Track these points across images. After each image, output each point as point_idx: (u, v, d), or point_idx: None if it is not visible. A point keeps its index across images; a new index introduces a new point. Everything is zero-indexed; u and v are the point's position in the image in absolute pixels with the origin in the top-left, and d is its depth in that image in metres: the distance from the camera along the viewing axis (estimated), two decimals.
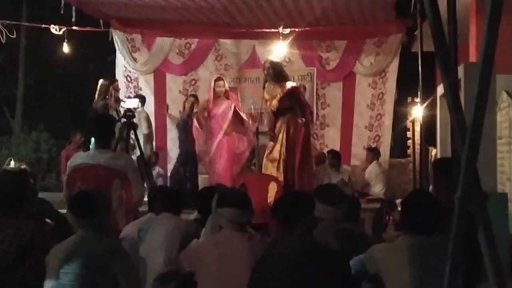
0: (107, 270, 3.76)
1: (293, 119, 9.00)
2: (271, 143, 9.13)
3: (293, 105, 9.05)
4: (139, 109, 8.87)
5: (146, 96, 11.20)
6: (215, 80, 9.88)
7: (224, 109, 9.70)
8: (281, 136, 8.99)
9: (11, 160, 11.32)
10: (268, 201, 8.08)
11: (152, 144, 10.86)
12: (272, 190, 8.41)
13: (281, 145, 8.96)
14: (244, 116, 9.99)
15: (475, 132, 2.14)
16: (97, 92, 9.79)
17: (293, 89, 9.14)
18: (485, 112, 2.14)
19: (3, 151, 15.73)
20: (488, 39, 2.08)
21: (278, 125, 9.12)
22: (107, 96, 9.66)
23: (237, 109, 9.84)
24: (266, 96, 9.26)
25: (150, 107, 11.51)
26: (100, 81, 9.91)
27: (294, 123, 8.99)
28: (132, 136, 7.86)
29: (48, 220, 6.19)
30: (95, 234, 3.89)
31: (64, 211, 6.25)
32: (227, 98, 9.80)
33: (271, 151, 9.09)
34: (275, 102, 9.08)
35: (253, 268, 3.63)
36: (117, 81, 10.76)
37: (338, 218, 4.39)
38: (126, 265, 3.88)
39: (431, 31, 2.37)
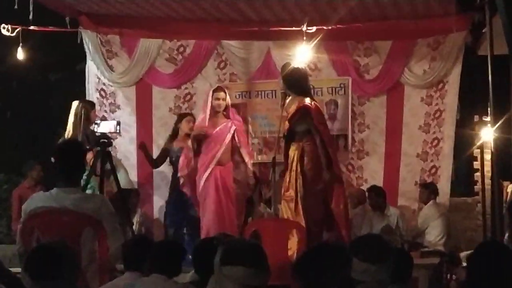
0: None
1: (310, 146, 9.00)
2: (286, 177, 9.12)
3: (310, 128, 9.06)
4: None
5: (126, 116, 11.29)
6: (214, 91, 9.83)
7: (221, 130, 9.68)
8: (295, 168, 8.98)
9: None
10: (289, 255, 8.07)
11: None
12: (294, 240, 8.40)
13: (296, 180, 8.95)
14: (245, 142, 9.97)
15: None
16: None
17: (306, 107, 9.13)
18: None
19: None
20: None
21: (290, 153, 9.14)
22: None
23: (239, 133, 9.80)
24: (285, 114, 9.28)
25: (132, 131, 11.58)
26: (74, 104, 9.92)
27: (311, 151, 8.99)
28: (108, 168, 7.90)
29: None
30: None
31: (17, 269, 6.29)
32: (227, 117, 9.77)
33: (287, 189, 9.07)
34: (286, 123, 9.14)
35: None
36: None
37: (382, 280, 4.37)
38: None
39: (503, 28, 2.38)
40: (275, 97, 11.21)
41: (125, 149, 11.55)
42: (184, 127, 10.37)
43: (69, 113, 9.66)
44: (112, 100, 12.02)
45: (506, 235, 7.42)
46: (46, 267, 3.96)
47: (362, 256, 4.20)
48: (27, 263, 4.09)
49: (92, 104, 10.30)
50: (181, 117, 10.71)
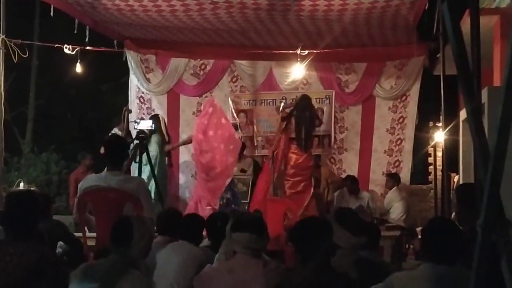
0: None
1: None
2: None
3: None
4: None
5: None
6: None
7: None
8: None
9: (20, 181, 11.37)
10: (284, 227, 8.07)
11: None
12: (288, 216, 8.41)
13: None
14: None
15: (498, 158, 2.14)
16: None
17: None
18: (509, 138, 2.14)
19: (12, 173, 15.79)
20: None
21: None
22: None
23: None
24: None
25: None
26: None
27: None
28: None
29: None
30: (122, 264, 3.88)
31: (78, 234, 6.31)
32: None
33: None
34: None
35: None
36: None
37: (357, 247, 4.37)
38: None
39: (453, 54, 2.38)
40: (275, 104, 11.22)
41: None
42: None
43: (115, 115, 9.74)
44: (149, 105, 12.07)
45: (453, 214, 7.41)
46: (123, 234, 3.97)
47: (345, 227, 4.20)
48: (113, 230, 4.07)
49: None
50: None
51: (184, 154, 11.58)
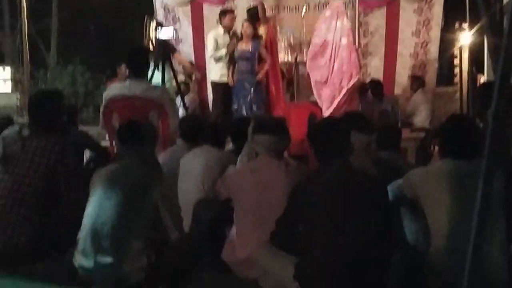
0: (148, 199, 3.91)
1: None
2: None
3: None
4: None
5: (185, 27, 11.26)
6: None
7: None
8: None
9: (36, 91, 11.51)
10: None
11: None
12: (314, 119, 8.46)
13: None
14: None
15: (509, 47, 2.17)
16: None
17: None
18: None
19: (39, 85, 15.97)
20: None
21: None
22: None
23: None
24: None
25: (189, 38, 11.59)
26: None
27: None
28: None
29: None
30: (138, 163, 4.03)
31: (104, 143, 6.46)
32: None
33: None
34: None
35: (289, 195, 3.73)
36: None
37: (371, 146, 4.45)
38: (166, 194, 4.04)
39: None
40: (298, 11, 11.11)
41: (186, 52, 11.52)
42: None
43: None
44: (174, 14, 11.99)
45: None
46: (132, 133, 4.10)
47: (357, 128, 4.26)
48: (119, 132, 4.23)
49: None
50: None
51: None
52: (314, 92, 9.64)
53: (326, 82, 9.49)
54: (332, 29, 9.50)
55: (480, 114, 4.75)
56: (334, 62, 9.49)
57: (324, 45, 9.53)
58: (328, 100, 9.42)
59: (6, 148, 4.24)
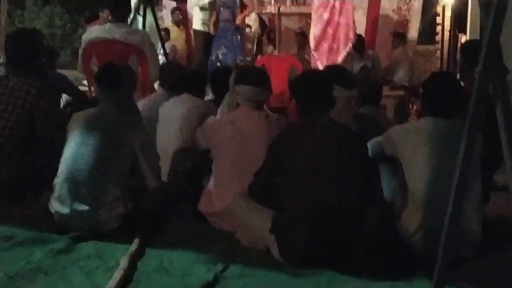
0: (126, 145, 3.87)
1: None
2: None
3: None
4: None
5: None
6: None
7: None
8: None
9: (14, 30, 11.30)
10: (288, 83, 8.11)
11: None
12: (292, 72, 8.43)
13: None
14: None
15: (500, 4, 2.15)
16: None
17: None
18: None
19: (16, 25, 15.72)
20: None
21: None
22: None
23: None
24: None
25: None
26: None
27: None
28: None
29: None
30: (117, 108, 3.97)
31: (83, 88, 6.39)
32: None
33: None
34: None
35: (269, 147, 3.70)
36: None
37: (351, 101, 4.44)
38: (145, 141, 3.99)
39: None
40: None
41: None
42: None
43: None
44: None
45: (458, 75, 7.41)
46: (110, 78, 4.03)
47: (339, 82, 4.22)
48: (97, 76, 4.16)
49: None
50: None
51: None
52: (312, 45, 9.60)
53: (324, 35, 9.47)
54: None
55: (462, 72, 4.74)
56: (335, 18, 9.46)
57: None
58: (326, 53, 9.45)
59: None
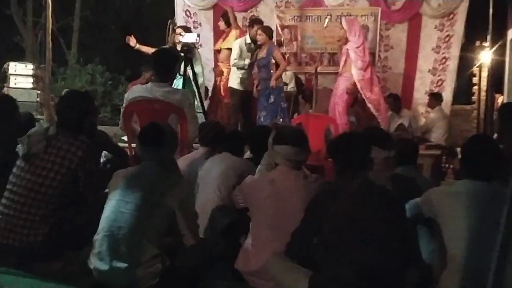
0: (166, 204, 3.90)
1: None
2: None
3: None
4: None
5: (206, 32, 11.28)
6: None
7: None
8: None
9: (66, 91, 11.54)
10: (325, 143, 8.12)
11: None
12: (331, 132, 8.46)
13: None
14: None
15: None
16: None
17: None
18: None
19: (59, 82, 16.07)
20: None
21: None
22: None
23: None
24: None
25: (209, 43, 11.59)
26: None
27: None
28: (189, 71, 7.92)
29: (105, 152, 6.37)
30: (158, 166, 4.01)
31: (124, 144, 6.45)
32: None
33: None
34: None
35: (307, 207, 3.70)
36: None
37: (389, 161, 4.44)
38: (183, 200, 4.02)
39: None
40: (320, 21, 11.13)
41: (205, 56, 11.49)
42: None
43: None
44: (195, 19, 12.07)
45: (495, 135, 7.37)
46: (152, 138, 4.09)
47: (377, 143, 4.24)
48: (140, 134, 4.22)
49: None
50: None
51: None
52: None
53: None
54: None
55: (499, 134, 4.72)
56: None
57: None
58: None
59: (31, 146, 4.24)
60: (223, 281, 4.14)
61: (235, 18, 10.21)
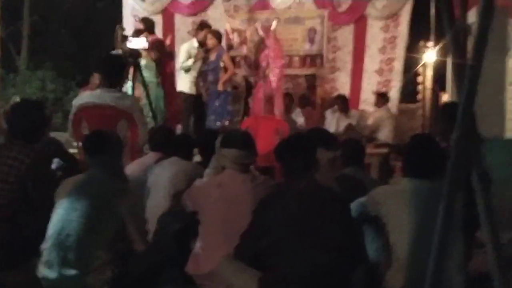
0: (114, 211, 3.87)
1: None
2: None
3: None
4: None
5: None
6: None
7: None
8: None
9: (16, 98, 11.37)
10: (275, 144, 8.12)
11: None
12: (281, 134, 8.48)
13: None
14: None
15: (473, 73, 2.19)
16: None
17: None
18: (483, 58, 2.18)
19: (8, 90, 15.79)
20: None
21: None
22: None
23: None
24: None
25: None
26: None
27: None
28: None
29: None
30: (104, 173, 3.99)
31: (73, 150, 6.38)
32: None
33: None
34: None
35: (255, 209, 3.72)
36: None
37: (336, 162, 4.48)
38: (132, 206, 3.99)
39: None
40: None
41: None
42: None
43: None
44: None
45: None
46: (97, 146, 4.06)
47: (321, 144, 4.28)
48: (85, 142, 4.19)
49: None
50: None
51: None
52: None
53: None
54: None
55: (442, 133, 4.79)
56: None
57: None
58: None
59: None
60: (174, 286, 4.12)
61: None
